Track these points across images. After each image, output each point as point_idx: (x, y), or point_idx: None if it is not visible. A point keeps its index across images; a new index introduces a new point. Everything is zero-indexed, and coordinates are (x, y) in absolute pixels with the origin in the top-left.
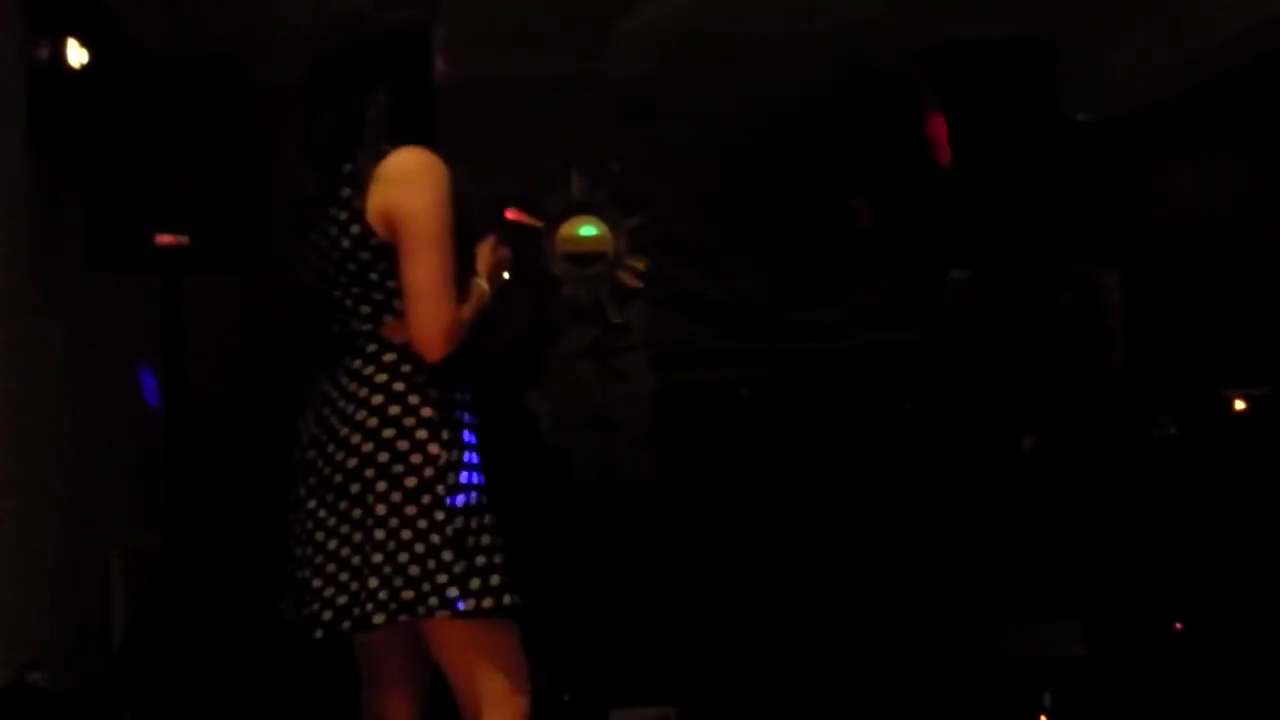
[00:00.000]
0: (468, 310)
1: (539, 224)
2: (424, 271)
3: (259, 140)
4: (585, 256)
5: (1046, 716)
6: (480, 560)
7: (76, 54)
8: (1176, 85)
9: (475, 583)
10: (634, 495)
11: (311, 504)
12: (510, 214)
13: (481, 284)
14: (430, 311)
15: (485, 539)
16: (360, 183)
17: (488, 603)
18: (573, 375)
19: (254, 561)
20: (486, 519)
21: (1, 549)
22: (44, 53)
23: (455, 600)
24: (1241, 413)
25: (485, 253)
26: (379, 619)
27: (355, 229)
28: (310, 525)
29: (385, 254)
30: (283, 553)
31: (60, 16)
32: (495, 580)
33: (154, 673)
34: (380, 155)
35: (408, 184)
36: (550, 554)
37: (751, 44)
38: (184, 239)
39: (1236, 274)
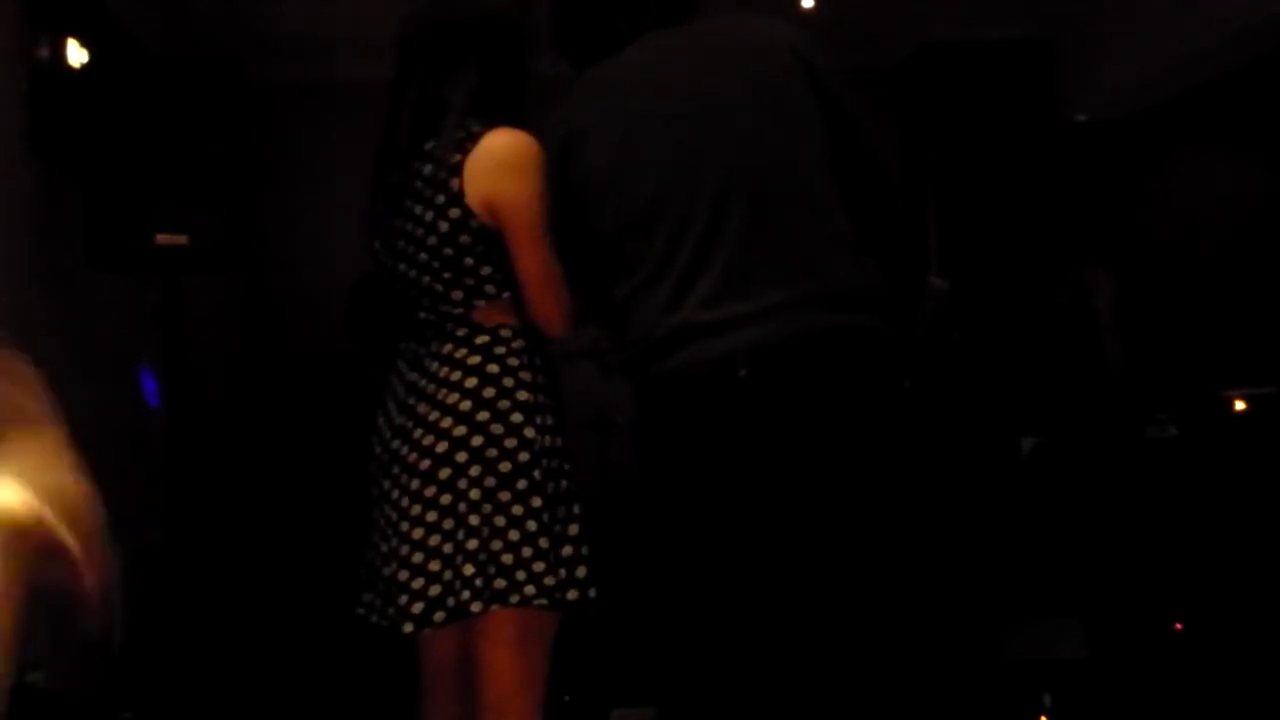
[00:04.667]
0: None
1: None
2: (540, 257)
3: (259, 140)
4: None
5: (1046, 717)
6: (567, 550)
7: (76, 54)
8: (1176, 85)
9: (563, 573)
10: (634, 496)
11: (395, 495)
12: None
13: None
14: (553, 294)
15: (573, 528)
16: (454, 164)
17: (572, 595)
18: (573, 375)
19: (254, 561)
20: (576, 508)
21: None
22: (44, 53)
23: (551, 590)
24: (1241, 413)
25: None
26: (476, 607)
27: (455, 212)
28: (395, 516)
29: (484, 237)
30: (362, 551)
31: (60, 16)
32: (581, 572)
33: (154, 673)
34: (473, 135)
35: (512, 171)
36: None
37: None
38: (184, 239)
39: (1236, 274)
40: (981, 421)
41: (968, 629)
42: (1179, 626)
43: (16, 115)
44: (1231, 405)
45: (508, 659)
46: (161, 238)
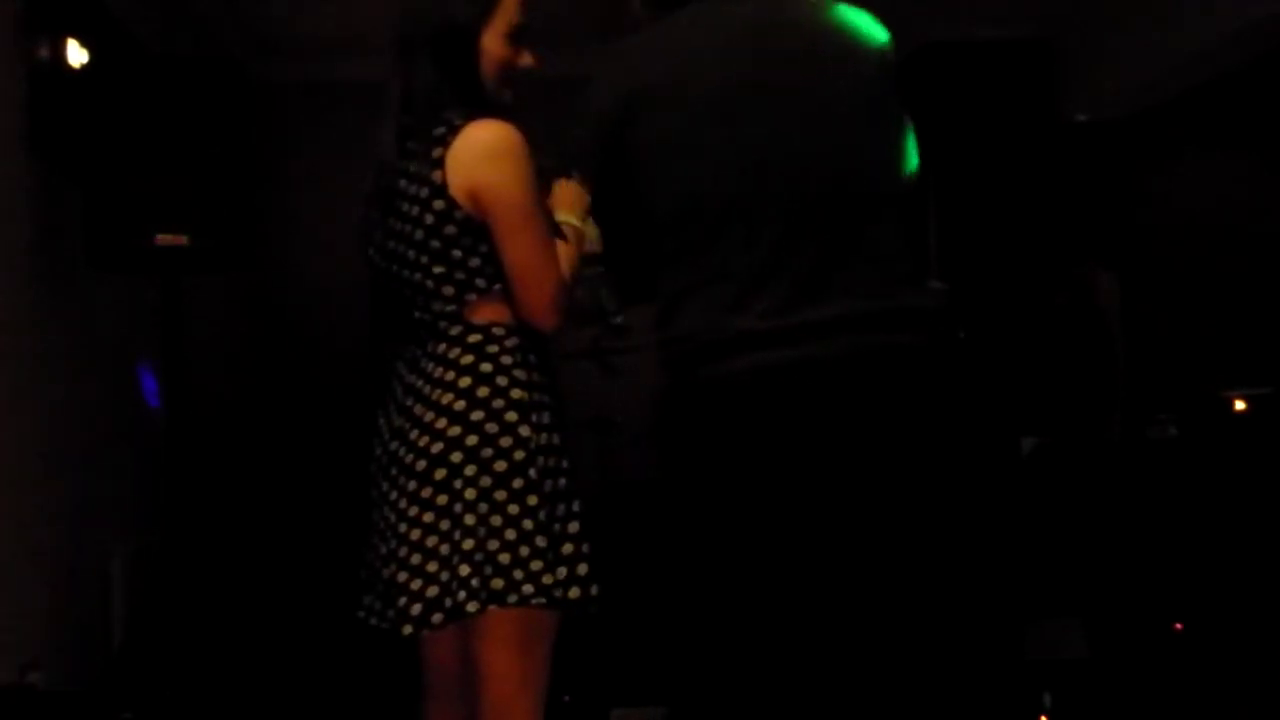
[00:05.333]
0: (569, 258)
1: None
2: (526, 247)
3: (259, 140)
4: (585, 257)
5: (1046, 717)
6: (567, 548)
7: (76, 54)
8: (1176, 85)
9: (563, 571)
10: (634, 495)
11: (394, 496)
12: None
13: (571, 220)
14: (539, 285)
15: (573, 526)
16: (436, 158)
17: (574, 593)
18: (572, 375)
19: (254, 562)
20: (575, 505)
21: (1, 549)
22: (44, 53)
23: (550, 588)
24: (1241, 413)
25: (566, 191)
26: (473, 607)
27: (439, 204)
28: (394, 518)
29: (470, 229)
30: (363, 553)
31: (60, 16)
32: (582, 570)
33: (154, 673)
34: (454, 129)
35: (493, 160)
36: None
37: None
38: (184, 239)
39: (1236, 274)
40: (982, 421)
41: (992, 627)
42: (1179, 626)
43: (16, 115)
44: (1231, 405)
45: (508, 660)
46: (161, 238)
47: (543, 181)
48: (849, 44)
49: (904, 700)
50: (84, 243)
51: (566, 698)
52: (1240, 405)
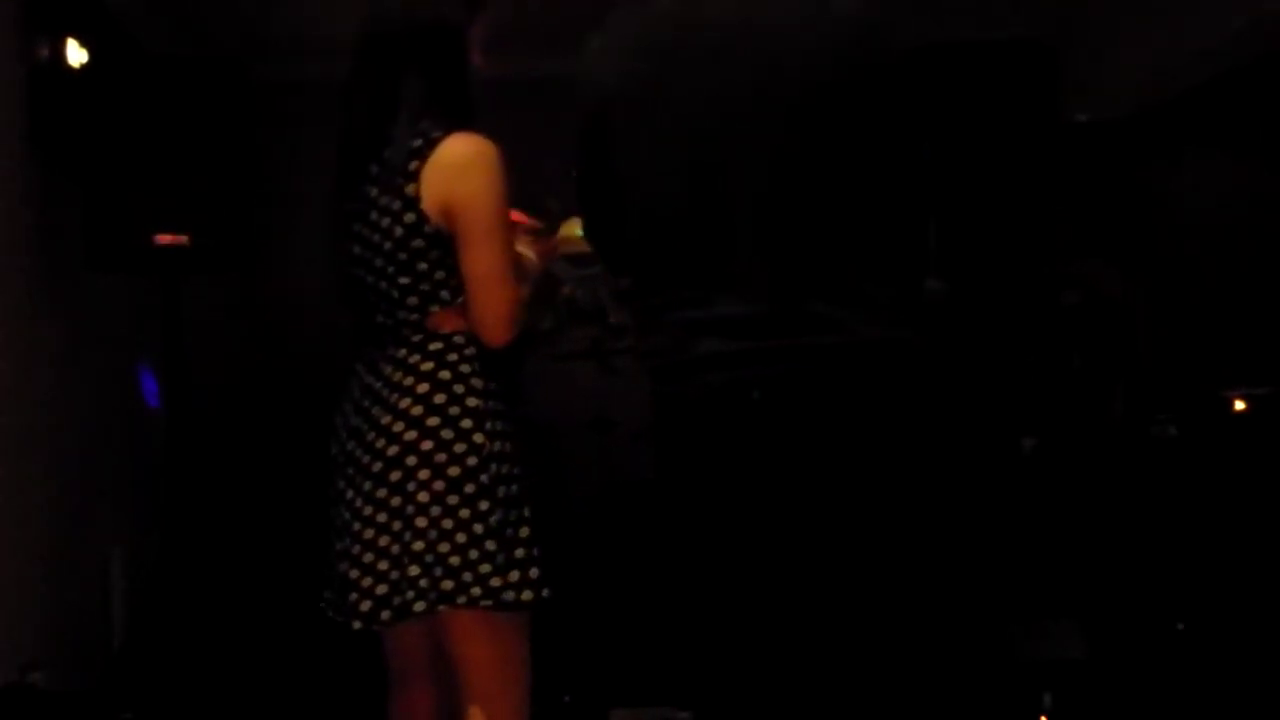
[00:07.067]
0: (524, 289)
1: (540, 225)
2: (488, 259)
3: (259, 140)
4: (585, 257)
5: (1046, 717)
6: (520, 552)
7: (76, 54)
8: (1176, 85)
9: (515, 575)
10: (634, 495)
11: (349, 495)
12: (512, 215)
13: (528, 254)
14: (495, 297)
15: (524, 531)
16: (412, 170)
17: (527, 595)
18: (572, 375)
19: (254, 562)
20: (526, 511)
21: (1, 549)
22: (44, 53)
23: (499, 590)
24: (1242, 413)
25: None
26: (419, 607)
27: (409, 216)
28: (348, 516)
29: (438, 242)
30: (324, 548)
31: (60, 16)
32: (534, 573)
33: (154, 673)
34: (431, 142)
35: (466, 172)
36: (548, 554)
37: (744, 40)
38: (184, 239)
39: (1236, 274)
40: (982, 421)
41: (972, 628)
42: (1179, 627)
43: (16, 115)
44: (1231, 405)
45: (480, 650)
46: (161, 238)
47: (549, 222)
48: None
49: (899, 698)
50: (84, 243)
51: (566, 698)
52: (1240, 405)
